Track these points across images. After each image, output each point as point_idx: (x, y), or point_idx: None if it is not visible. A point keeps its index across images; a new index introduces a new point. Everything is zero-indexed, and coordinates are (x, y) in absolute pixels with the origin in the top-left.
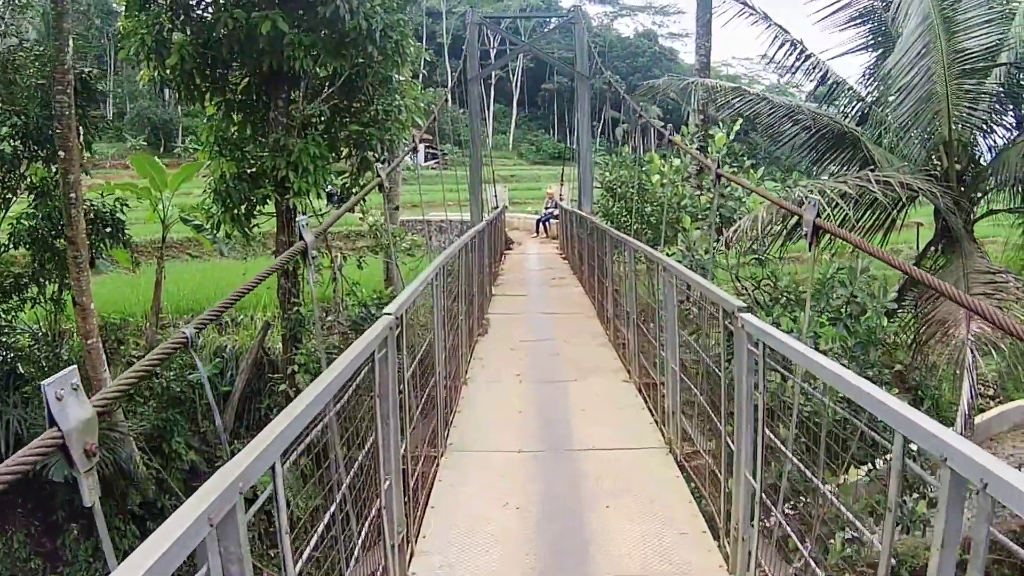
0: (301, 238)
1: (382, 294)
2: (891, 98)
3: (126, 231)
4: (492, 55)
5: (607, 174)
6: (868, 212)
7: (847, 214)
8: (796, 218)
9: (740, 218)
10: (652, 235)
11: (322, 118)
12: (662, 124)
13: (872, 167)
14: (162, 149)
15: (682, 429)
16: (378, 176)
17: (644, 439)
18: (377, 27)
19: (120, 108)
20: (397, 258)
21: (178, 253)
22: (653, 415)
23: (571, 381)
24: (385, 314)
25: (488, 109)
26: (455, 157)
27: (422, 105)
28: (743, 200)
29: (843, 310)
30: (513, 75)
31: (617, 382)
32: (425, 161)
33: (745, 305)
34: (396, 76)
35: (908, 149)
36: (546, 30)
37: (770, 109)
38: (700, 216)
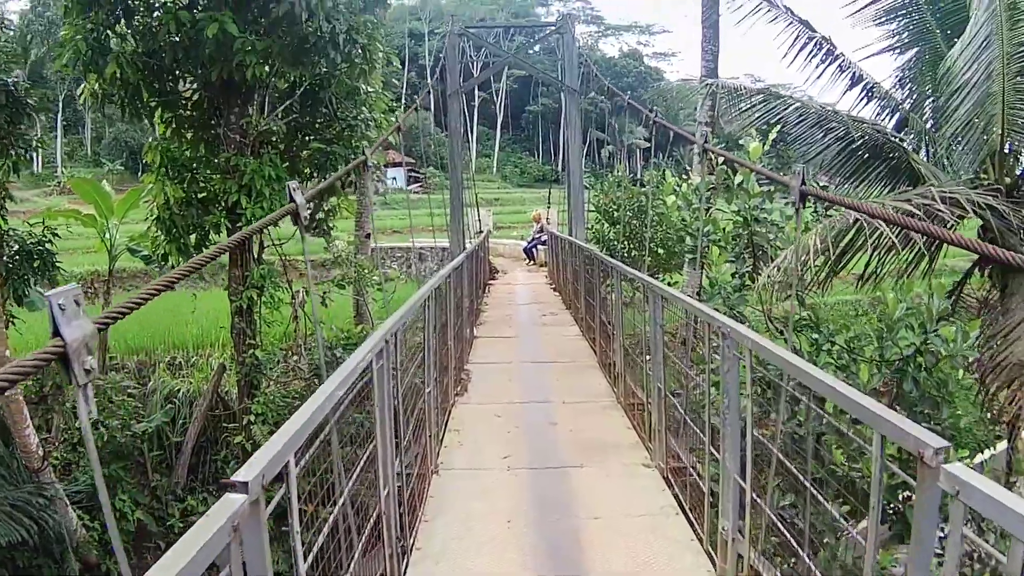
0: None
1: (351, 334)
2: (947, 100)
3: (56, 264)
4: (475, 72)
5: (600, 196)
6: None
7: (907, 238)
8: (852, 235)
9: (778, 246)
10: (653, 263)
11: (280, 135)
12: (647, 145)
13: (921, 182)
14: (140, 173)
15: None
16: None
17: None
18: (340, 30)
19: (99, 132)
20: (367, 294)
21: (128, 286)
22: (690, 520)
23: (576, 467)
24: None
25: (471, 132)
26: (439, 180)
27: (394, 119)
28: (780, 226)
29: (912, 360)
30: (497, 97)
31: (636, 467)
32: (408, 184)
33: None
34: (363, 87)
35: (959, 161)
36: (533, 43)
37: (799, 116)
38: (722, 243)
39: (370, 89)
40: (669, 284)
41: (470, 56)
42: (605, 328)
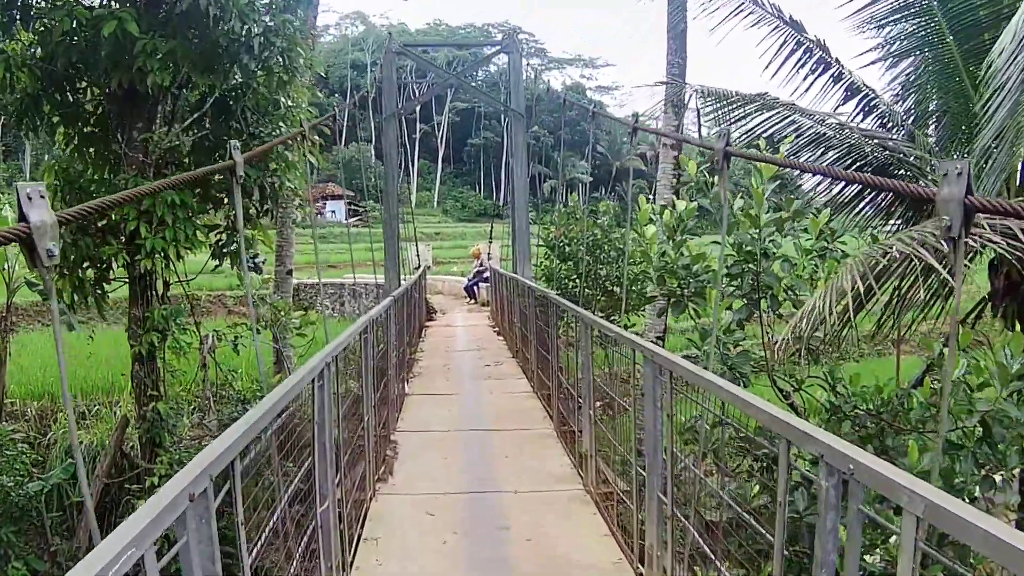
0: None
1: (269, 384)
2: (982, 106)
3: None
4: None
5: (551, 229)
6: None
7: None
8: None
9: (787, 289)
10: (607, 303)
11: (186, 154)
12: (591, 180)
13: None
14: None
15: None
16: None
17: None
18: (256, 32)
19: (37, 158)
20: (286, 340)
21: (30, 322)
22: None
23: None
24: None
25: (412, 164)
26: (379, 214)
27: (318, 139)
28: (791, 261)
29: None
30: (438, 129)
31: None
32: (348, 218)
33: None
34: (284, 100)
35: (984, 181)
36: (476, 67)
37: (794, 129)
38: (710, 284)
39: (291, 103)
40: (626, 327)
41: (411, 88)
42: (564, 387)
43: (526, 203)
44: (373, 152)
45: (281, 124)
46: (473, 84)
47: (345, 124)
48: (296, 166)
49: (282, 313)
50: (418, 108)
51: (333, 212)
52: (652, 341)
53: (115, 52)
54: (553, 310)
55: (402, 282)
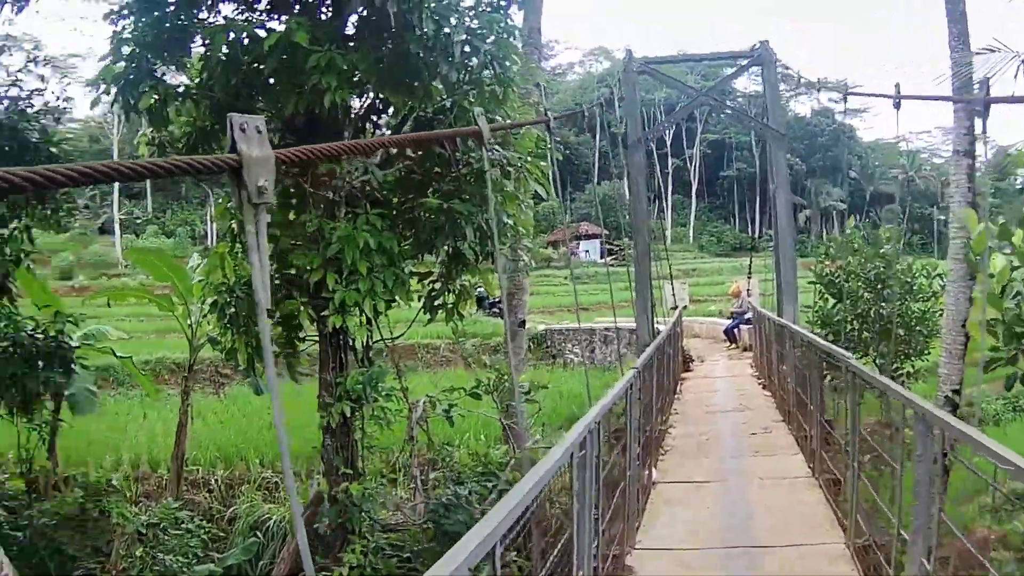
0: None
1: (490, 459)
2: None
3: (72, 363)
4: (668, 141)
5: (824, 264)
6: None
7: None
8: None
9: None
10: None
11: (383, 190)
12: (844, 206)
13: None
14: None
15: None
16: None
17: None
18: (457, 37)
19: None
20: (522, 405)
21: (207, 381)
22: None
23: None
24: None
25: (666, 200)
26: (632, 254)
27: (543, 166)
28: None
29: None
30: (690, 163)
31: None
32: (602, 257)
33: None
34: (499, 119)
35: None
36: (727, 83)
37: None
38: None
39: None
40: (910, 373)
41: (660, 126)
42: (856, 476)
43: (791, 230)
44: (627, 188)
45: (496, 148)
46: (723, 103)
47: (596, 162)
48: (517, 198)
49: (505, 377)
50: (668, 142)
51: (587, 252)
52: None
53: (284, 70)
54: (850, 379)
55: (656, 325)
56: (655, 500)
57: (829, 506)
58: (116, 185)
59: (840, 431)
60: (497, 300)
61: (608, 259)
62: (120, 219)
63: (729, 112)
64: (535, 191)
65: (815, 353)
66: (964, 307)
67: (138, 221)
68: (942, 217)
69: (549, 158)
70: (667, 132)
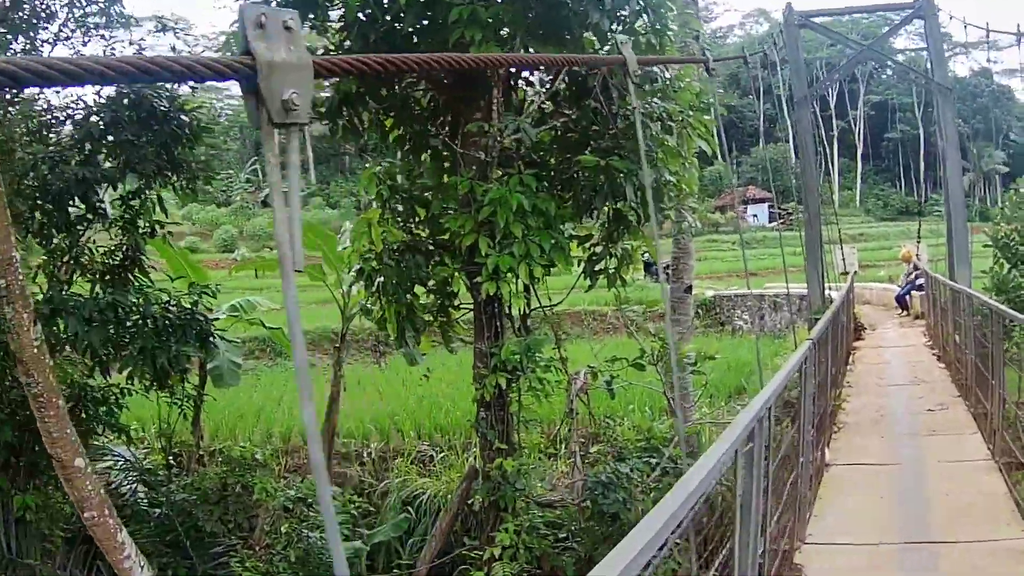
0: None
1: (652, 432)
2: None
3: (210, 334)
4: (832, 102)
5: (1002, 226)
6: None
7: None
8: None
9: None
10: None
11: (537, 149)
12: (1007, 170)
13: None
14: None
15: None
16: None
17: None
18: None
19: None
20: (688, 376)
21: (364, 350)
22: None
23: None
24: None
25: (833, 163)
26: (801, 217)
27: (707, 120)
28: None
29: None
30: (854, 125)
31: None
32: (770, 221)
33: None
34: (657, 71)
35: None
36: (887, 36)
37: None
38: None
39: (667, 75)
40: None
41: (824, 83)
42: None
43: (962, 191)
44: (793, 151)
45: (654, 100)
46: (886, 58)
47: (762, 125)
48: (683, 154)
49: (662, 345)
50: (832, 104)
51: (755, 216)
52: None
53: (425, 27)
54: None
55: (827, 291)
56: (828, 484)
57: (1011, 496)
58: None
59: None
60: (665, 265)
61: (777, 223)
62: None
63: (891, 68)
64: (699, 148)
65: (999, 322)
66: None
67: (302, 193)
68: None
69: (713, 112)
70: (830, 92)
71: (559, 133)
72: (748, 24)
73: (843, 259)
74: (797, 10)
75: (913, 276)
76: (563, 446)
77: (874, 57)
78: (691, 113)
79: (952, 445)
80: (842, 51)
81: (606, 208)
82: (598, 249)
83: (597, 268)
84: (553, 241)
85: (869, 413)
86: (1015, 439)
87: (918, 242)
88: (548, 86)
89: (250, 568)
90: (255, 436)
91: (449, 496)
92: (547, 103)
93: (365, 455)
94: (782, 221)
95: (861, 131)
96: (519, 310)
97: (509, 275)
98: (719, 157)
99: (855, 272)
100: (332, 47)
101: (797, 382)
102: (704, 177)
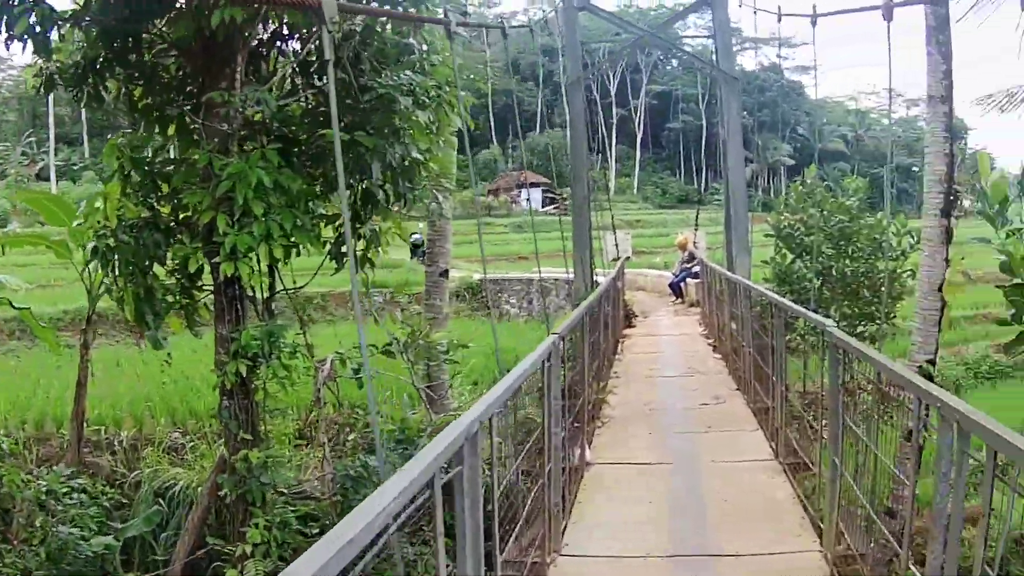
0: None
1: (406, 424)
2: None
3: None
4: (612, 91)
5: (784, 216)
6: None
7: None
8: None
9: None
10: (850, 306)
11: (281, 120)
12: (792, 162)
13: None
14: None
15: None
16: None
17: None
18: None
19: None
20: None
21: (114, 335)
22: None
23: None
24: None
25: (611, 150)
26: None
27: (465, 97)
28: None
29: None
30: (635, 114)
31: None
32: (543, 206)
33: None
34: (415, 43)
35: None
36: (673, 21)
37: None
38: None
39: (424, 46)
40: (873, 337)
41: (606, 74)
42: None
43: (743, 179)
44: (569, 136)
45: (408, 73)
46: (670, 44)
47: (540, 111)
48: (431, 130)
49: (421, 334)
50: (613, 92)
51: (528, 200)
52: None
53: None
54: (833, 352)
55: (596, 276)
56: (588, 486)
57: (799, 501)
58: (52, 131)
59: (807, 408)
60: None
61: (550, 207)
62: (56, 166)
63: (677, 59)
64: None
65: (779, 316)
66: (941, 269)
67: (75, 167)
68: (902, 175)
69: (458, 79)
70: (611, 80)
71: (310, 106)
72: (532, 11)
73: (615, 245)
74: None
75: (688, 264)
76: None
77: (657, 44)
78: (447, 89)
79: (731, 443)
80: (624, 29)
81: (351, 185)
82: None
83: (344, 249)
84: (297, 220)
85: (638, 406)
86: (801, 436)
87: (695, 230)
88: (300, 60)
89: (8, 564)
90: (11, 422)
91: (200, 488)
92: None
93: (116, 443)
94: (556, 206)
95: (642, 119)
96: (261, 293)
97: (249, 255)
98: (469, 121)
99: (627, 258)
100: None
101: (541, 384)
102: (479, 160)
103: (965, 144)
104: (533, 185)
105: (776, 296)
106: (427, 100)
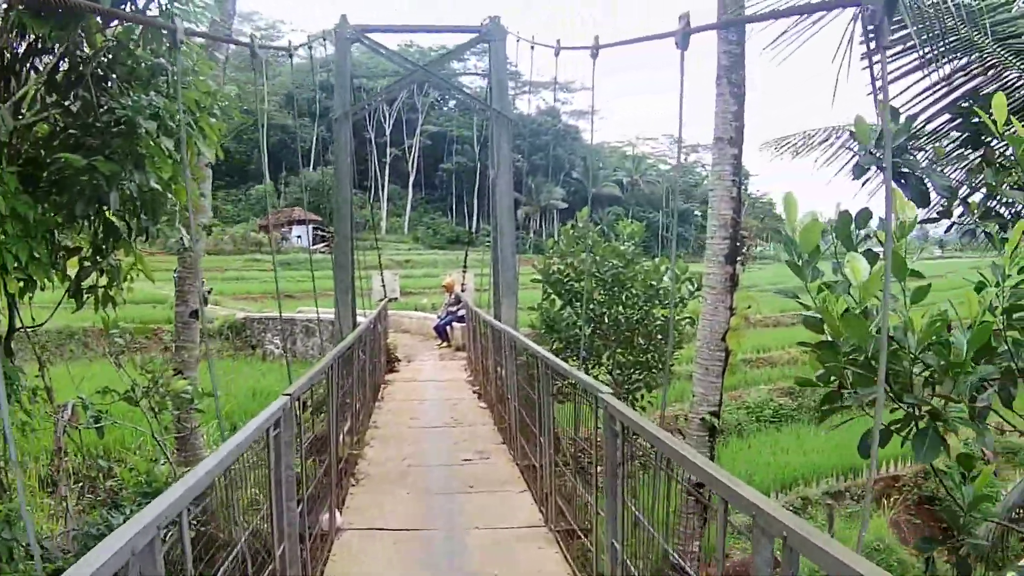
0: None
1: (154, 476)
2: None
3: None
4: (388, 129)
5: (553, 260)
6: None
7: None
8: None
9: None
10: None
11: (37, 147)
12: (565, 206)
13: None
14: None
15: None
16: None
17: None
18: None
19: None
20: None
21: None
22: None
23: None
24: None
25: (383, 189)
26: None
27: (216, 124)
28: None
29: None
30: (409, 154)
31: None
32: (314, 244)
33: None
34: (166, 62)
35: None
36: (449, 58)
37: None
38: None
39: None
40: (649, 385)
41: (381, 112)
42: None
43: (512, 220)
44: (335, 172)
45: (153, 95)
46: (445, 81)
47: (314, 148)
48: (175, 159)
49: (160, 380)
50: (388, 131)
51: (299, 237)
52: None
53: None
54: (610, 424)
55: (360, 317)
56: (338, 557)
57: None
58: None
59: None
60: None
61: (321, 245)
62: None
63: (452, 94)
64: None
65: (547, 374)
66: (724, 318)
67: None
68: (681, 220)
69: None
70: (388, 120)
71: (57, 127)
72: (313, 45)
73: (383, 285)
74: (354, 23)
75: (455, 307)
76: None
77: (432, 81)
78: (197, 114)
79: (497, 506)
80: (399, 64)
81: (90, 216)
82: (88, 264)
83: (84, 285)
84: (34, 252)
85: (397, 462)
86: (569, 504)
87: (464, 270)
88: (49, 75)
89: None
90: None
91: None
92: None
93: None
94: (327, 244)
95: (416, 159)
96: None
97: None
98: (218, 150)
99: (394, 299)
100: None
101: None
102: (252, 196)
103: (746, 188)
104: (303, 222)
105: (544, 351)
106: (173, 126)
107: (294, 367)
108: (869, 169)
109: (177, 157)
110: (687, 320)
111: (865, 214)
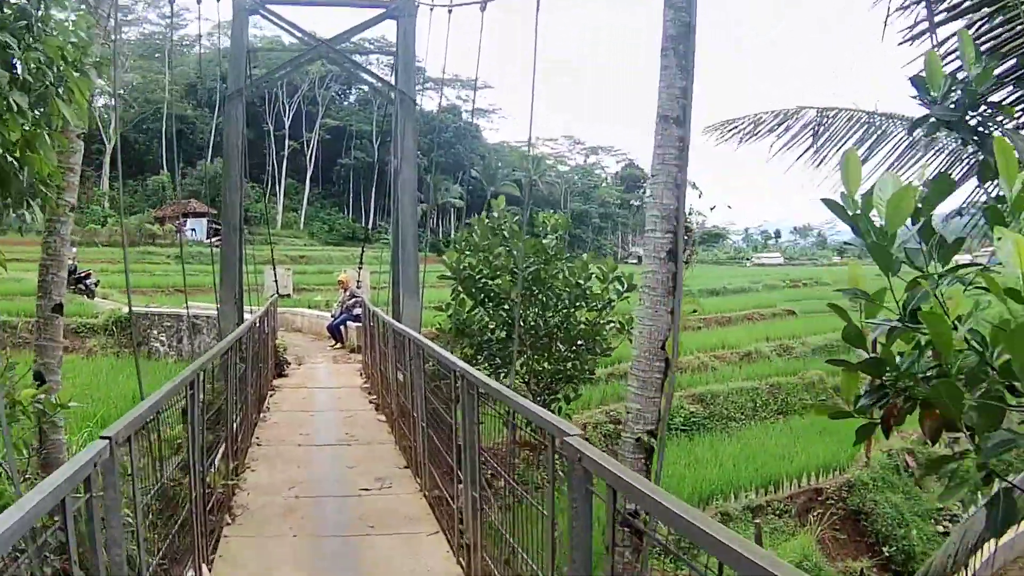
0: None
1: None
2: None
3: None
4: (287, 120)
5: (464, 256)
6: None
7: None
8: None
9: None
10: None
11: None
12: (462, 204)
13: None
14: None
15: None
16: None
17: None
18: None
19: None
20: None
21: None
22: None
23: None
24: None
25: (280, 184)
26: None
27: (80, 79)
28: None
29: None
30: (308, 147)
31: None
32: (210, 237)
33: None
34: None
35: None
36: (353, 33)
37: None
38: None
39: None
40: (568, 397)
41: (281, 104)
42: None
43: (415, 212)
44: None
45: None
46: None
47: (212, 139)
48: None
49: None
50: (287, 124)
51: (193, 231)
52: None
53: None
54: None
55: (248, 314)
56: None
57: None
58: None
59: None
60: (86, 274)
61: (215, 239)
62: None
63: (353, 75)
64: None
65: (470, 393)
66: (665, 323)
67: None
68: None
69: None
70: (287, 112)
71: None
72: (217, 35)
73: (275, 280)
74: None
75: (350, 303)
76: None
77: (332, 56)
78: (62, 67)
79: (404, 554)
80: (299, 39)
81: None
82: None
83: None
84: None
85: (283, 492)
86: (493, 552)
87: (360, 267)
88: None
89: None
90: None
91: None
92: None
93: None
94: (220, 237)
95: (314, 153)
96: None
97: None
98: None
99: (286, 295)
100: None
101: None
102: (147, 186)
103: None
104: (199, 215)
105: (467, 367)
106: (30, 79)
107: (179, 367)
108: (938, 127)
109: (31, 116)
110: (611, 324)
111: (946, 180)
